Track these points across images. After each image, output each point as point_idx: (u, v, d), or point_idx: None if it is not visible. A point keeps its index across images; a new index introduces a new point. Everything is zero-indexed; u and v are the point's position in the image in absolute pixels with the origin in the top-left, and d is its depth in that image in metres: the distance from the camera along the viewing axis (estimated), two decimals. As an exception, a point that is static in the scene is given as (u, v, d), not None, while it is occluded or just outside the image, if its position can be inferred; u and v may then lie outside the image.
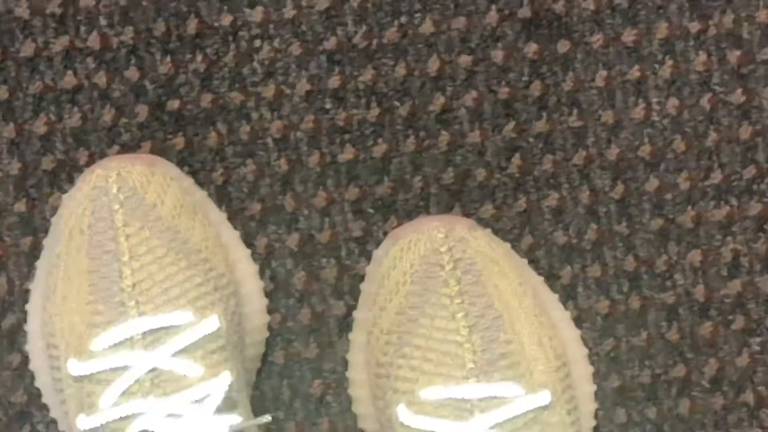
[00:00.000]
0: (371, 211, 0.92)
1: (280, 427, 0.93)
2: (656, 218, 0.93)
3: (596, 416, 0.90)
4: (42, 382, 0.88)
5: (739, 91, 0.93)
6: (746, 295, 0.93)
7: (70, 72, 0.92)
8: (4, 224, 0.92)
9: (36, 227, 0.92)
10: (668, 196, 0.93)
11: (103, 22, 0.92)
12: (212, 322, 0.83)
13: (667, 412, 0.93)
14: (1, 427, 0.92)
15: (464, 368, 0.83)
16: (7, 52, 0.92)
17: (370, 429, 0.89)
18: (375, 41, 0.92)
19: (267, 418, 0.85)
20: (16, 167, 0.92)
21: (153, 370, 0.81)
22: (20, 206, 0.92)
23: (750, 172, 0.93)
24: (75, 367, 0.83)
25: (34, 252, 0.91)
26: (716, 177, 0.93)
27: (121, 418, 0.81)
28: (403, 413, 0.83)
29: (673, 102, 0.93)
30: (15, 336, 0.92)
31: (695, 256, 0.93)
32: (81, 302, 0.84)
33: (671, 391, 0.93)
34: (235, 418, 0.82)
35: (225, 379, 0.82)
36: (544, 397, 0.83)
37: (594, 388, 0.89)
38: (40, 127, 0.92)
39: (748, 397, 0.93)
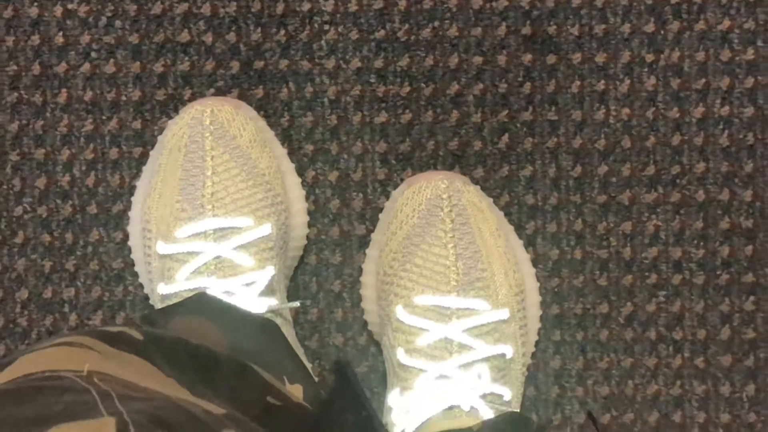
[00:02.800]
0: (394, 162, 0.93)
1: (306, 312, 0.93)
2: (602, 194, 0.94)
3: (539, 333, 0.91)
4: (136, 255, 0.89)
5: (676, 108, 0.93)
6: (660, 259, 0.94)
7: (185, 30, 0.92)
8: (123, 136, 0.93)
9: (146, 141, 0.92)
10: (613, 179, 0.94)
11: (219, 4, 0.93)
12: (266, 228, 0.84)
13: (591, 337, 0.94)
14: (102, 284, 0.93)
15: (449, 284, 0.84)
16: (141, 9, 0.92)
17: (372, 321, 0.91)
18: (413, 37, 0.93)
19: (296, 303, 0.86)
20: (137, 95, 0.92)
21: (218, 257, 0.83)
22: (136, 124, 0.92)
23: (675, 169, 0.94)
24: (162, 247, 0.84)
25: (142, 159, 0.92)
26: (650, 170, 0.94)
27: (189, 290, 0.82)
28: (400, 312, 0.85)
29: (626, 111, 0.93)
30: (120, 219, 0.93)
31: (627, 226, 0.94)
32: (172, 201, 0.85)
33: (596, 322, 0.94)
34: (273, 301, 0.84)
35: (269, 271, 0.84)
36: (504, 313, 0.84)
37: (540, 312, 0.90)
38: (158, 67, 0.92)
39: (652, 334, 0.94)
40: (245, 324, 0.79)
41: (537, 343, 0.91)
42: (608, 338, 0.94)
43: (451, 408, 0.81)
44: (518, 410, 0.86)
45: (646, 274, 0.94)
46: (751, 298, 0.94)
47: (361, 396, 0.77)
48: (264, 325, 0.80)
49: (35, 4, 0.92)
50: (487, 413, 0.82)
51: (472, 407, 0.81)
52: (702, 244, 0.94)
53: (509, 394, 0.84)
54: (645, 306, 0.94)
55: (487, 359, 0.83)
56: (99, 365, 0.60)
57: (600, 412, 0.94)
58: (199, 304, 0.79)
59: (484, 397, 0.83)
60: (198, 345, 0.71)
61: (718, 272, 0.94)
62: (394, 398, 0.84)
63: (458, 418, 0.81)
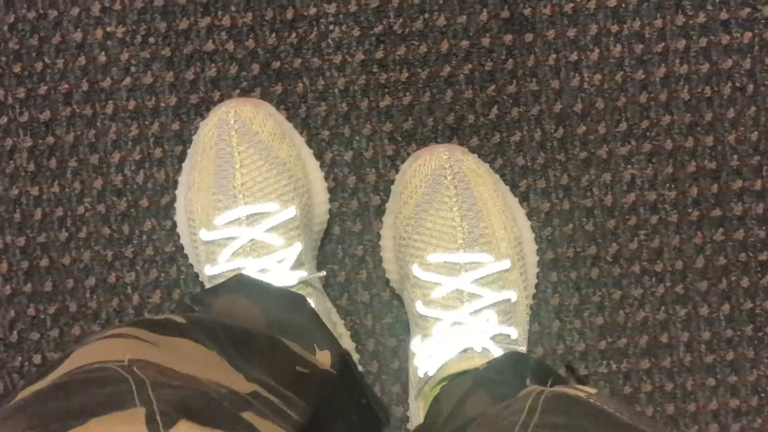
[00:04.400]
0: (400, 139, 0.92)
1: (335, 275, 0.93)
2: (582, 151, 0.92)
3: (537, 277, 0.90)
4: (184, 241, 0.89)
5: (641, 71, 0.92)
6: (638, 203, 0.93)
7: (210, 41, 0.91)
8: (165, 137, 0.92)
9: (185, 140, 0.92)
10: (591, 137, 0.92)
11: (232, 8, 0.91)
12: (290, 211, 0.84)
13: (583, 276, 0.94)
14: (157, 267, 0.93)
15: (456, 243, 0.84)
16: (170, 25, 0.91)
17: (393, 279, 0.90)
18: (407, 29, 0.91)
19: (322, 273, 0.86)
20: (174, 101, 0.92)
21: (252, 240, 0.82)
22: (175, 126, 0.92)
23: (645, 124, 0.92)
24: (204, 234, 0.84)
25: (183, 156, 0.91)
26: (623, 126, 0.92)
27: (231, 270, 0.82)
28: (416, 270, 0.84)
29: (597, 77, 0.92)
30: (168, 209, 0.92)
31: (606, 177, 0.93)
32: (209, 193, 0.84)
33: (586, 262, 0.93)
34: (302, 273, 0.84)
35: (297, 248, 0.83)
36: (506, 264, 0.84)
37: (537, 258, 0.90)
38: (189, 75, 0.91)
39: (636, 268, 0.93)
40: (278, 300, 0.79)
41: (537, 286, 0.91)
42: (599, 275, 0.93)
43: (465, 350, 0.81)
44: (525, 346, 0.85)
45: (627, 217, 0.93)
46: (720, 229, 0.93)
47: (362, 385, 0.79)
48: (294, 299, 0.80)
49: (79, 29, 0.90)
50: (497, 352, 0.81)
51: (483, 348, 0.81)
52: (673, 186, 0.92)
53: (516, 333, 0.83)
54: (628, 245, 0.93)
55: (494, 305, 0.83)
56: (140, 353, 0.59)
57: (597, 339, 0.93)
58: (239, 284, 0.79)
59: (493, 338, 0.82)
60: (233, 325, 0.71)
61: (690, 210, 0.93)
62: (416, 345, 0.84)
63: (471, 359, 0.80)
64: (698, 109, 0.92)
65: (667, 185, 0.93)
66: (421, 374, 0.83)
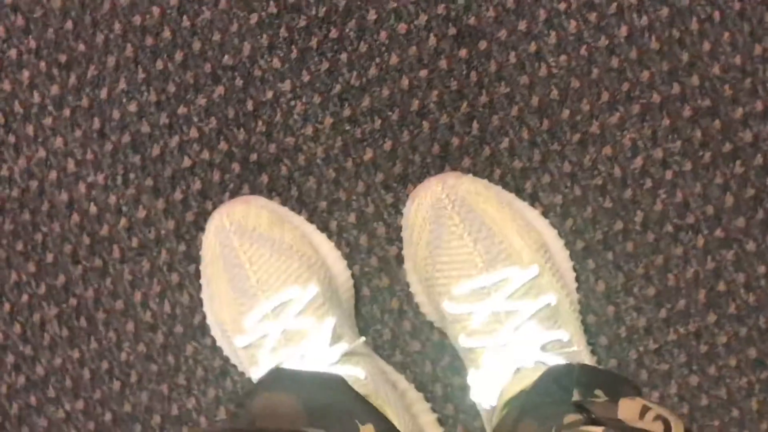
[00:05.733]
0: (394, 185, 0.91)
1: (380, 335, 0.92)
2: (575, 134, 0.90)
3: (574, 269, 0.88)
4: (227, 352, 0.89)
5: (603, 37, 0.90)
6: (647, 165, 0.91)
7: (185, 157, 0.91)
8: (175, 261, 0.92)
9: (195, 257, 0.92)
10: (578, 117, 0.90)
11: (195, 120, 0.91)
12: (312, 289, 0.83)
13: (620, 253, 0.91)
14: (213, 383, 0.93)
15: (477, 267, 0.82)
16: (143, 156, 0.92)
17: (434, 320, 0.89)
18: (364, 79, 0.90)
19: (362, 338, 0.85)
20: (171, 224, 0.92)
21: (284, 331, 0.82)
22: (182, 247, 0.92)
23: (625, 86, 0.90)
24: (239, 340, 0.84)
25: (198, 273, 0.91)
26: (605, 96, 0.90)
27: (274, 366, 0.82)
28: (447, 306, 0.83)
29: (563, 58, 0.90)
30: (203, 327, 0.92)
31: (607, 150, 0.91)
32: (230, 300, 0.84)
33: (618, 239, 0.91)
34: (343, 345, 0.83)
35: (330, 323, 0.83)
36: (533, 270, 0.82)
37: (567, 252, 0.88)
38: (178, 195, 0.92)
39: (669, 228, 0.91)
40: (313, 386, 0.78)
41: (577, 278, 0.89)
42: (634, 248, 0.91)
43: (518, 370, 0.79)
44: (581, 345, 0.82)
45: (641, 181, 0.90)
46: (737, 162, 0.90)
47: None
48: (329, 381, 0.79)
49: (62, 190, 0.92)
50: (553, 360, 0.80)
51: (536, 362, 0.79)
52: (676, 136, 0.90)
53: (566, 335, 0.81)
54: (652, 208, 0.91)
55: (534, 315, 0.81)
56: None
57: (655, 309, 0.90)
58: (274, 379, 0.79)
59: (543, 348, 0.80)
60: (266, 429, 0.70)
61: (701, 153, 0.90)
62: (471, 378, 0.83)
63: (525, 377, 0.78)
64: (673, 54, 0.90)
65: (670, 137, 0.90)
66: (486, 407, 0.82)
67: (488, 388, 0.80)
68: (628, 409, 0.70)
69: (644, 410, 0.70)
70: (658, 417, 0.68)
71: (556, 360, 0.79)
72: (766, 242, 0.90)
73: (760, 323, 0.91)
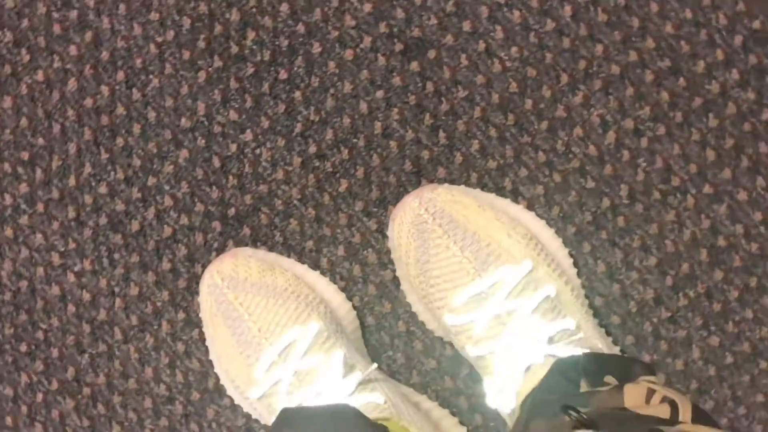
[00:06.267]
0: (375, 209, 0.91)
1: (393, 360, 0.91)
2: (542, 121, 0.89)
3: (571, 255, 0.87)
4: (245, 408, 0.88)
5: (548, 20, 0.89)
6: (620, 137, 0.89)
7: (164, 225, 0.91)
8: (177, 330, 0.92)
9: (195, 321, 0.91)
10: (541, 105, 0.89)
11: (167, 188, 0.91)
12: (313, 326, 0.83)
13: (612, 230, 0.90)
14: (240, 442, 0.93)
15: (469, 274, 0.81)
16: (124, 233, 0.92)
17: (442, 335, 0.88)
18: (322, 112, 0.90)
19: (374, 365, 0.84)
20: (165, 295, 0.91)
21: (295, 373, 0.81)
22: (181, 315, 0.91)
23: (582, 64, 0.89)
24: (254, 392, 0.83)
25: (202, 337, 0.91)
26: (564, 78, 0.89)
27: (292, 411, 0.82)
28: (449, 319, 0.83)
29: (514, 49, 0.89)
30: (219, 388, 0.91)
31: (578, 131, 0.90)
32: (237, 355, 0.84)
33: (608, 216, 0.90)
34: (356, 375, 0.82)
35: (339, 355, 0.82)
36: (526, 265, 0.81)
37: (559, 240, 0.87)
38: (166, 264, 0.91)
39: (657, 195, 0.89)
40: (323, 421, 0.77)
41: (576, 264, 0.88)
42: (626, 222, 0.89)
43: (529, 368, 0.78)
44: (588, 330, 0.81)
45: (618, 155, 0.89)
46: (710, 115, 0.89)
47: None
48: (337, 413, 0.78)
49: (53, 283, 0.92)
50: (562, 350, 0.78)
51: (546, 356, 0.78)
52: (643, 102, 0.89)
53: (572, 323, 0.80)
54: (635, 179, 0.89)
55: (536, 309, 0.80)
56: None
57: (661, 278, 0.89)
58: (283, 421, 0.78)
59: (551, 340, 0.79)
60: None
61: (671, 115, 0.89)
62: (486, 385, 0.82)
63: (537, 374, 0.77)
64: (622, 22, 0.89)
65: (637, 105, 0.89)
66: (508, 410, 0.81)
67: (504, 392, 0.79)
68: (633, 394, 0.69)
69: (650, 394, 0.69)
70: (664, 399, 0.67)
71: (566, 350, 0.78)
72: (756, 188, 0.89)
73: (767, 269, 0.89)
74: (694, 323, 0.90)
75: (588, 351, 0.77)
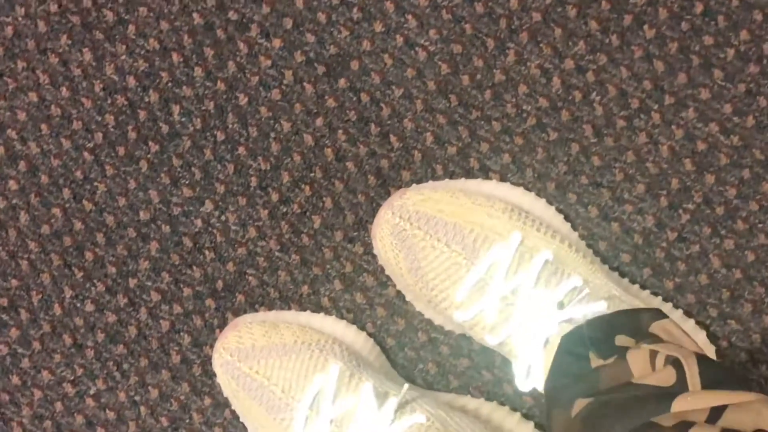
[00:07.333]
0: (356, 234, 0.89)
1: (427, 372, 0.89)
2: (485, 91, 0.87)
3: (561, 212, 0.86)
4: None
5: (478, 4, 0.88)
6: (566, 80, 0.87)
7: (158, 321, 0.90)
8: (208, 414, 0.90)
9: (224, 403, 0.89)
10: (478, 76, 0.88)
11: (149, 284, 0.90)
12: (335, 369, 0.81)
13: (590, 172, 0.87)
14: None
15: (462, 266, 0.80)
16: (127, 345, 0.90)
17: (461, 331, 0.87)
18: (271, 158, 0.88)
19: (406, 385, 0.82)
20: (187, 387, 0.90)
21: (332, 421, 0.80)
22: (207, 400, 0.90)
23: (503, 23, 0.87)
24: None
25: (235, 415, 0.89)
26: (490, 43, 0.87)
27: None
28: (459, 316, 0.82)
29: (432, 32, 0.87)
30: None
31: (523, 89, 0.87)
32: (271, 422, 0.83)
33: (581, 160, 0.88)
34: (391, 402, 0.80)
35: (367, 388, 0.81)
36: (515, 237, 0.80)
37: (542, 200, 0.85)
38: (175, 357, 0.90)
39: (621, 122, 0.87)
40: None
41: (567, 218, 0.86)
42: (601, 159, 0.88)
43: (547, 341, 0.76)
44: (597, 281, 0.79)
45: (570, 98, 0.87)
46: (644, 27, 0.87)
47: None
48: None
49: (75, 413, 0.91)
50: (576, 312, 0.77)
51: (559, 323, 0.76)
52: (575, 38, 0.87)
53: (579, 280, 0.78)
54: (594, 114, 0.87)
55: (538, 279, 0.78)
56: None
57: (655, 202, 0.87)
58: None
59: (561, 305, 0.78)
60: None
61: (607, 41, 0.87)
62: (514, 369, 0.80)
63: (555, 345, 0.75)
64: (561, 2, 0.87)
65: (570, 43, 0.87)
66: (542, 389, 0.79)
67: (531, 373, 0.77)
68: (637, 362, 0.67)
69: (653, 356, 0.67)
70: (667, 360, 0.65)
71: (577, 310, 0.76)
72: (716, 82, 0.86)
73: (756, 156, 0.87)
74: (704, 234, 0.87)
75: (591, 317, 0.75)
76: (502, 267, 0.79)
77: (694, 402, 0.60)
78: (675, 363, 0.65)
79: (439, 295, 0.81)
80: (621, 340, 0.72)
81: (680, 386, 0.63)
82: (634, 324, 0.73)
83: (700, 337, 0.83)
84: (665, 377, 0.64)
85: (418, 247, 0.81)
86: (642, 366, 0.67)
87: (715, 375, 0.65)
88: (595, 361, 0.71)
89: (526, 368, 0.77)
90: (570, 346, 0.73)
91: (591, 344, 0.72)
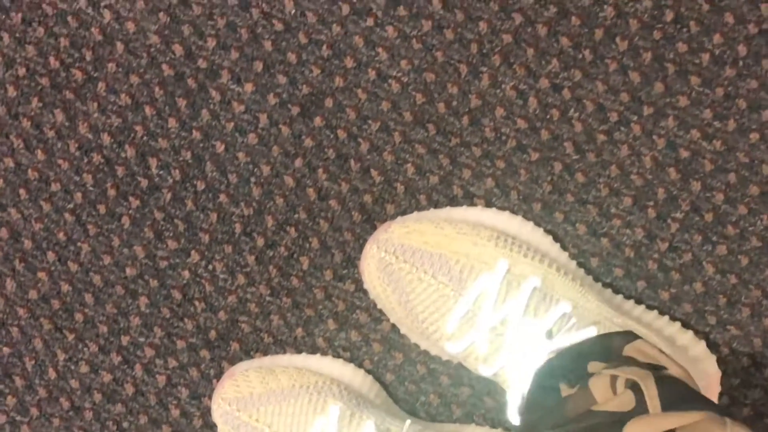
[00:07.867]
0: (345, 272, 0.88)
1: (429, 404, 0.88)
2: (462, 117, 0.87)
3: (550, 233, 0.85)
4: None
5: (423, 21, 0.86)
6: (542, 99, 0.86)
7: (155, 376, 0.89)
8: (214, 467, 0.90)
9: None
10: (454, 103, 0.87)
11: (141, 339, 0.89)
12: (333, 410, 0.81)
13: (576, 189, 0.87)
14: None
15: (450, 298, 0.80)
16: (125, 405, 0.90)
17: (458, 360, 0.85)
18: (253, 204, 0.88)
19: (408, 420, 0.82)
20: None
21: (334, 459, 0.80)
22: (211, 452, 0.90)
23: (474, 48, 0.86)
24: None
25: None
26: (463, 69, 0.87)
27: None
28: (450, 348, 0.81)
29: (404, 63, 0.87)
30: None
31: (500, 111, 0.87)
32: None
33: (565, 178, 0.87)
34: (395, 437, 0.80)
35: (369, 426, 0.80)
36: (502, 265, 0.79)
37: (530, 224, 0.85)
38: (174, 411, 0.90)
39: (601, 138, 0.86)
40: None
41: (556, 239, 0.85)
42: (585, 175, 0.87)
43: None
44: (587, 305, 0.78)
45: (548, 116, 0.87)
46: (617, 38, 0.86)
47: None
48: None
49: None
50: (564, 341, 0.76)
51: (549, 353, 0.75)
52: (548, 57, 0.86)
53: (568, 306, 0.78)
54: (574, 131, 0.87)
55: (526, 307, 0.77)
56: None
57: (643, 215, 0.86)
58: None
59: (549, 335, 0.77)
60: None
61: (580, 56, 0.86)
62: (509, 398, 0.79)
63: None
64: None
65: (543, 62, 0.86)
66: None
67: (526, 400, 0.76)
68: (599, 388, 0.67)
69: (613, 381, 0.67)
70: (627, 383, 0.65)
71: (565, 340, 0.76)
72: (693, 88, 0.86)
73: (740, 159, 0.86)
74: (695, 242, 0.86)
75: (563, 347, 0.75)
76: (490, 297, 0.78)
77: (644, 427, 0.60)
78: (634, 387, 0.65)
79: (430, 327, 0.81)
80: (593, 366, 0.71)
81: (640, 409, 0.63)
82: (605, 349, 0.73)
83: (700, 348, 0.82)
84: (626, 401, 0.64)
85: (406, 280, 0.80)
86: (603, 392, 0.67)
87: (676, 395, 0.64)
88: (566, 391, 0.70)
89: (520, 399, 0.76)
90: (541, 380, 0.73)
91: (561, 374, 0.71)
